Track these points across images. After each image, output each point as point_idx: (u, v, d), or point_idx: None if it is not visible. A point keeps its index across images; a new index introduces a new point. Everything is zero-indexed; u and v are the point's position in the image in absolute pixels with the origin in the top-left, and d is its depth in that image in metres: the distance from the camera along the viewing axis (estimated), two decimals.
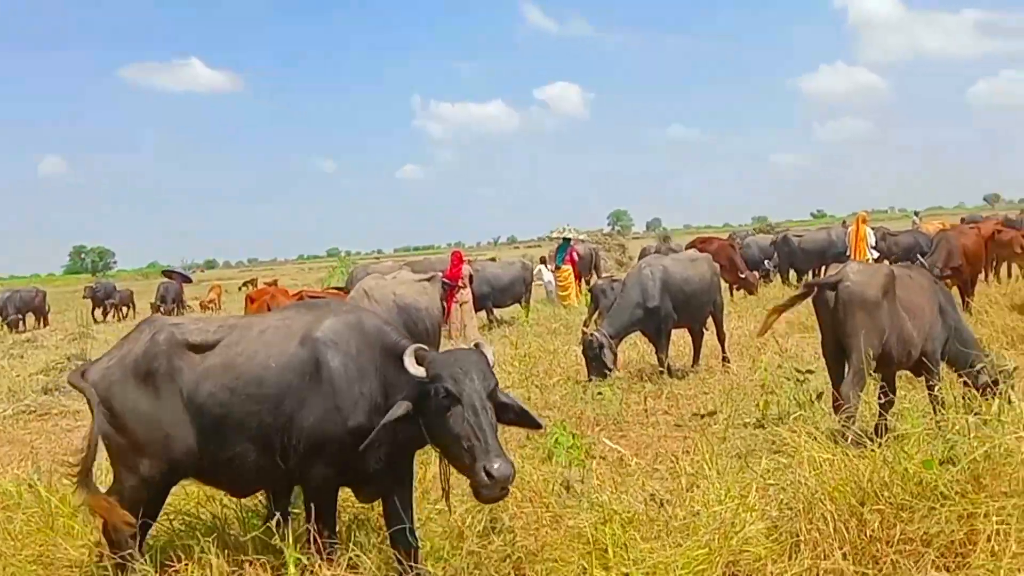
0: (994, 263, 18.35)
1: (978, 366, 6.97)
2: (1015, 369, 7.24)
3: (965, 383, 7.13)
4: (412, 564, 4.51)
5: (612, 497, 5.34)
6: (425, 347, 4.45)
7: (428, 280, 10.65)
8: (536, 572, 4.48)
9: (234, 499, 5.43)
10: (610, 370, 10.24)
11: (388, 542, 4.76)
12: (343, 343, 4.55)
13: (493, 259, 24.78)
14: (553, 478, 5.93)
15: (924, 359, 7.07)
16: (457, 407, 4.11)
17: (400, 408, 4.27)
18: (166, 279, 30.80)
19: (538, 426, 4.71)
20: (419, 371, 4.22)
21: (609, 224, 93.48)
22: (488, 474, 3.90)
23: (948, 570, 4.01)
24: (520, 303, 19.11)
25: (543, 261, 23.39)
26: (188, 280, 31.45)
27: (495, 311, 18.59)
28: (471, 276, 16.37)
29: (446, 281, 15.62)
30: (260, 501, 5.57)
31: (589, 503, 5.13)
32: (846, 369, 6.87)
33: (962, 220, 26.52)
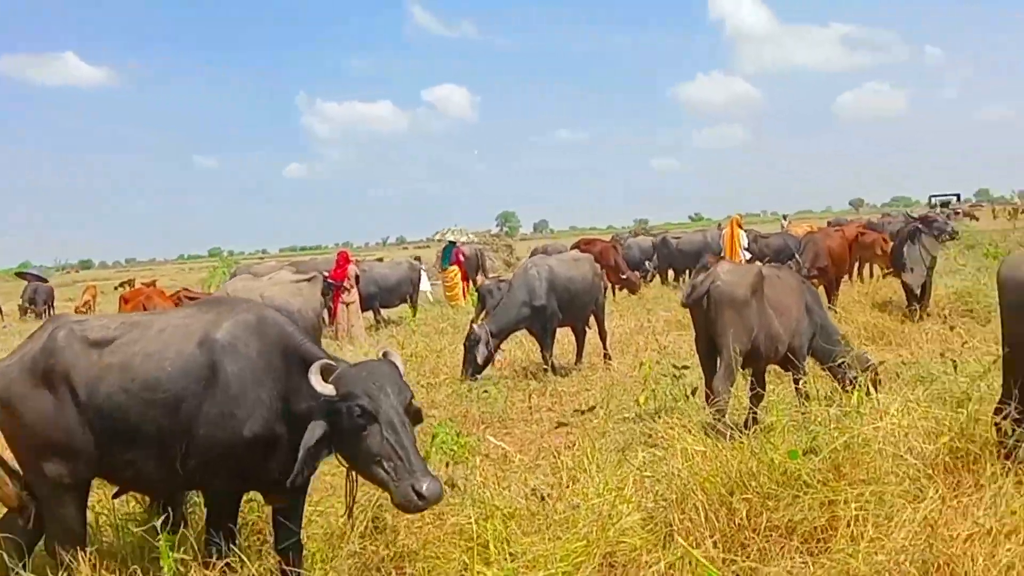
0: (857, 264, 19.22)
1: (840, 361, 7.30)
2: (880, 364, 7.62)
3: (832, 376, 7.47)
4: (293, 568, 4.39)
5: (494, 493, 5.33)
6: (332, 361, 4.21)
7: (307, 281, 10.32)
8: (418, 570, 4.43)
9: (108, 505, 5.23)
10: (482, 365, 10.38)
11: (268, 545, 4.64)
12: (241, 346, 4.31)
13: (381, 259, 24.54)
14: (439, 474, 5.90)
15: (791, 355, 7.36)
16: (374, 425, 3.88)
17: (317, 429, 4.01)
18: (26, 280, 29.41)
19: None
20: (327, 389, 3.94)
21: (497, 225, 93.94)
22: (418, 494, 3.74)
23: (811, 555, 4.15)
24: (408, 303, 18.96)
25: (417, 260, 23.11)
26: (43, 280, 29.95)
27: (382, 311, 18.37)
28: (357, 276, 16.09)
29: (331, 282, 15.38)
30: (139, 503, 5.39)
31: (472, 500, 5.11)
32: (718, 364, 7.07)
33: (829, 223, 27.64)
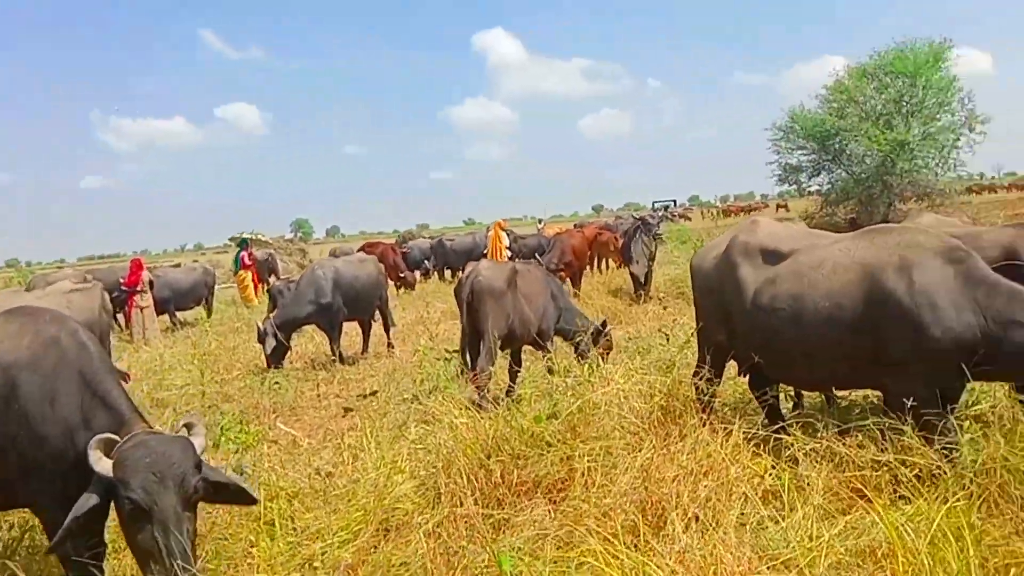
0: (597, 259, 20.26)
1: (577, 339, 7.67)
2: (604, 326, 8.02)
3: (575, 351, 7.82)
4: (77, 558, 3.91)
5: (280, 475, 5.14)
6: (115, 436, 3.47)
7: (79, 291, 9.10)
8: (206, 551, 4.15)
9: None
10: (276, 355, 10.14)
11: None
12: (38, 363, 3.65)
13: (178, 265, 22.98)
14: (226, 463, 5.61)
15: (540, 336, 7.64)
16: (146, 524, 3.23)
17: (90, 501, 3.32)
18: None
19: (253, 501, 3.84)
20: (105, 468, 3.30)
21: (292, 231, 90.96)
22: None
23: (554, 503, 4.26)
24: (203, 305, 17.86)
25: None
26: None
27: (178, 314, 17.16)
28: (151, 282, 14.98)
29: (125, 288, 14.26)
30: None
31: (258, 483, 4.89)
32: (481, 347, 7.20)
33: (575, 225, 28.91)
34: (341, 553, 4.03)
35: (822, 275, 4.68)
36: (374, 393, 8.30)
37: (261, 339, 10.12)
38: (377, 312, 11.82)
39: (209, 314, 17.32)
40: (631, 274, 14.35)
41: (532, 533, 3.90)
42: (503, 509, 4.29)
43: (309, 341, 12.45)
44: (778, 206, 57.46)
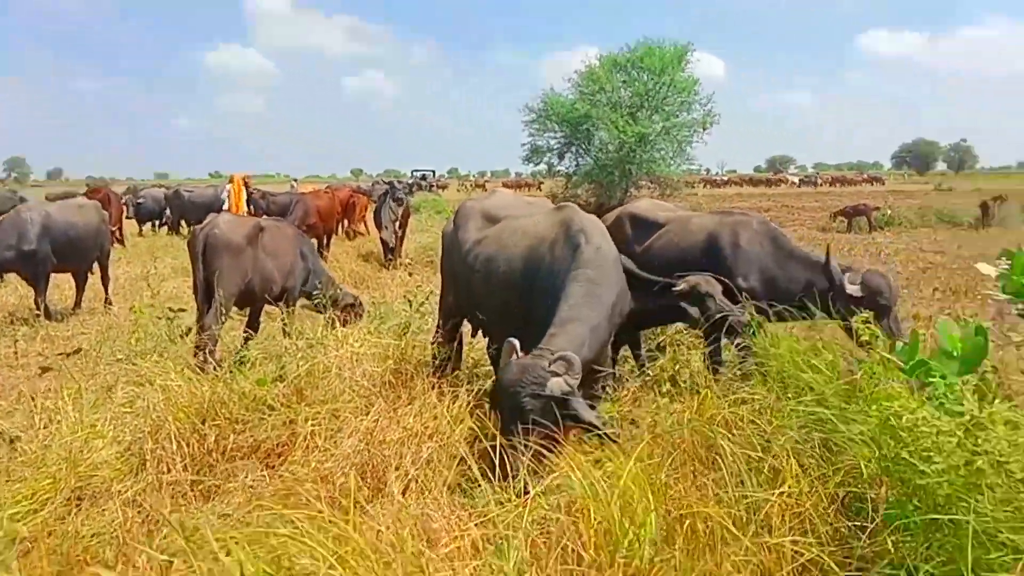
0: (348, 222, 19.88)
1: (315, 301, 7.49)
2: (357, 300, 7.91)
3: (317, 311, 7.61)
4: None
5: None
6: None
7: None
8: None
9: None
10: None
11: None
12: None
13: None
14: None
15: (283, 296, 7.38)
16: None
17: None
18: None
19: None
20: None
21: (5, 171, 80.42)
22: None
23: (271, 468, 4.13)
24: None
25: None
26: None
27: None
28: None
29: None
30: None
31: None
32: (211, 304, 6.76)
33: (328, 187, 28.15)
34: (19, 526, 3.60)
35: (511, 242, 4.94)
36: (78, 351, 7.51)
37: None
38: (96, 265, 10.74)
39: None
40: (381, 240, 14.27)
41: (244, 499, 3.73)
42: (215, 476, 4.08)
43: (12, 292, 11.04)
44: (530, 184, 60.14)
